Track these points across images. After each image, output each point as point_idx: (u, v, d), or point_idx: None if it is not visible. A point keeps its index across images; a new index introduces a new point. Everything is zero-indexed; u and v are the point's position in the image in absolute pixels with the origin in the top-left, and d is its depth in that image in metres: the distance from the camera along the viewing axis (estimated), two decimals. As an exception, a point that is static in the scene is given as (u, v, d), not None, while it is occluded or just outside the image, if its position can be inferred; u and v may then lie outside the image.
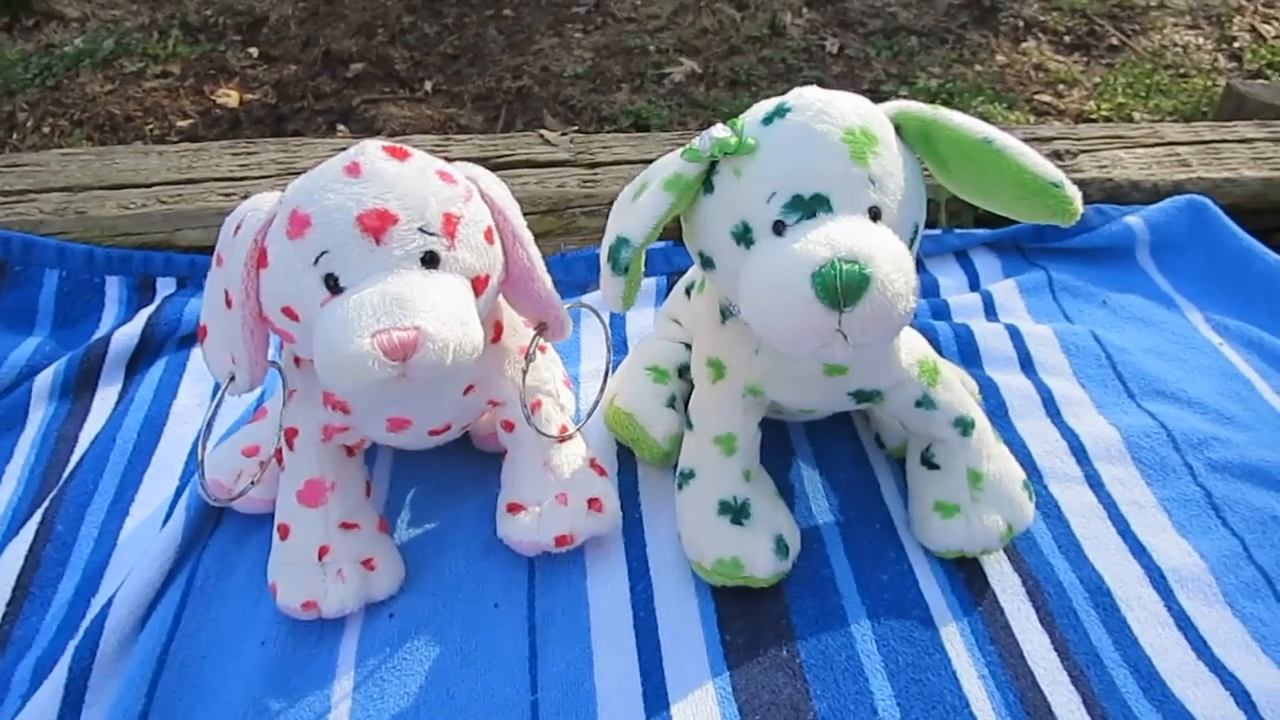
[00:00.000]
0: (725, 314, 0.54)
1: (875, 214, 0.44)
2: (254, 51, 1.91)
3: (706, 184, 0.48)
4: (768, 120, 0.46)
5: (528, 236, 0.52)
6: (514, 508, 0.56)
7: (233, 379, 0.49)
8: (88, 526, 0.61)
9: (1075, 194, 0.44)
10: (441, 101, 1.65)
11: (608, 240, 0.48)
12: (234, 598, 0.56)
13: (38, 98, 1.74)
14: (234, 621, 0.55)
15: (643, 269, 0.50)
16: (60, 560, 0.60)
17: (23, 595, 0.57)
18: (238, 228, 0.47)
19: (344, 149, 0.86)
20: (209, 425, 0.51)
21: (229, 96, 1.71)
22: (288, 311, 0.46)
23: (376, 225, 0.44)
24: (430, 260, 0.45)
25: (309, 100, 1.67)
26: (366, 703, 0.50)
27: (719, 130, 0.46)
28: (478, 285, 0.47)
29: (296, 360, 0.54)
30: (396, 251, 0.44)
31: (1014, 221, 0.82)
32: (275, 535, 0.54)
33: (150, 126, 1.63)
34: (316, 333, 0.44)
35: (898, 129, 0.47)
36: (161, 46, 1.93)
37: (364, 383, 0.42)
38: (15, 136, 1.64)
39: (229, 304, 0.47)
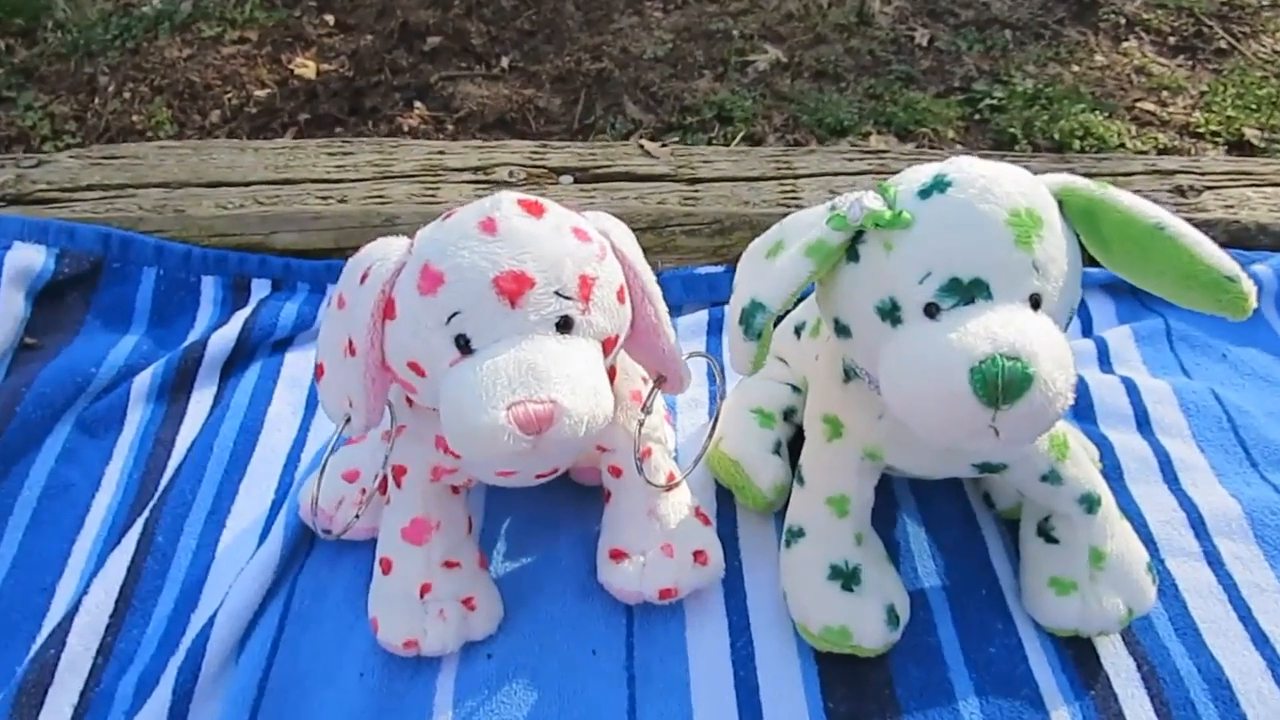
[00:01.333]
0: (849, 374, 0.52)
1: (1036, 301, 0.42)
2: (330, 19, 1.90)
3: (850, 251, 0.46)
4: (925, 193, 0.43)
5: (656, 292, 0.50)
6: (617, 554, 0.55)
7: (348, 420, 0.49)
8: (186, 539, 0.62)
9: (1250, 289, 0.42)
10: (519, 81, 1.63)
11: (740, 302, 0.47)
12: (329, 623, 0.57)
13: (118, 61, 1.75)
14: (331, 648, 0.55)
15: (773, 330, 0.49)
16: (160, 573, 0.60)
17: (125, 607, 0.58)
18: (364, 276, 0.46)
19: (441, 152, 0.86)
20: (324, 466, 0.51)
21: (306, 67, 1.71)
22: (413, 366, 0.45)
23: (513, 289, 0.43)
24: (564, 325, 0.44)
25: (386, 74, 1.65)
26: (465, 746, 0.50)
27: (870, 200, 0.44)
28: (607, 346, 0.47)
29: (408, 400, 0.53)
30: (532, 316, 0.43)
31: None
32: (377, 568, 0.54)
33: (229, 95, 1.63)
34: (445, 395, 0.43)
35: (1060, 204, 0.45)
36: (239, 11, 1.93)
37: (496, 455, 0.41)
38: (97, 101, 1.65)
39: (351, 350, 0.47)
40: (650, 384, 0.54)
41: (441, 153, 0.83)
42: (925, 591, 0.57)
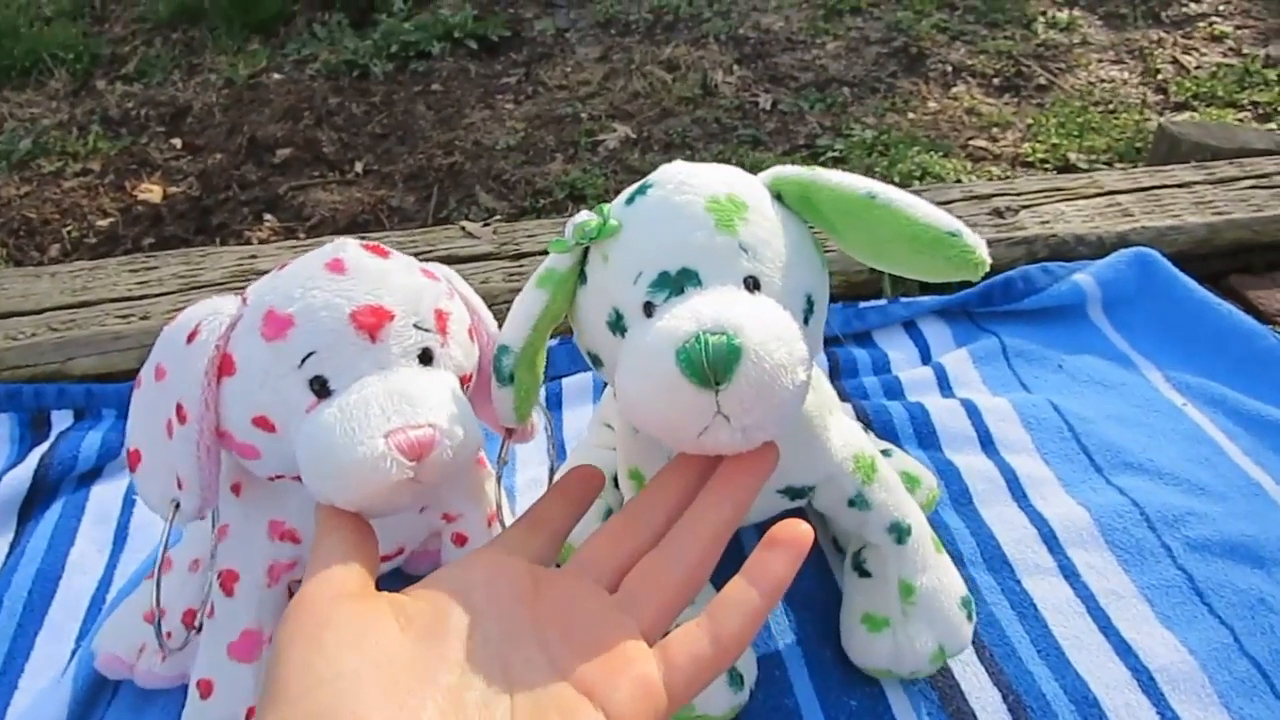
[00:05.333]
0: (644, 424, 0.50)
1: (753, 284, 0.40)
2: (177, 142, 1.86)
3: (581, 275, 0.44)
4: (630, 200, 0.43)
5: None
6: None
7: (177, 507, 0.44)
8: (-30, 706, 0.55)
9: (977, 242, 0.40)
10: (372, 183, 1.61)
11: (494, 349, 0.44)
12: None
13: (-50, 205, 1.68)
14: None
15: (539, 375, 0.46)
16: (-61, 748, 0.53)
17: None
18: (191, 335, 0.42)
19: (253, 256, 0.82)
20: (160, 565, 0.46)
21: (151, 192, 1.66)
22: (260, 422, 0.41)
23: (372, 322, 0.40)
24: (426, 357, 0.42)
25: (234, 190, 1.62)
26: None
27: (582, 216, 0.43)
28: (463, 383, 0.45)
29: (234, 488, 0.48)
30: (394, 349, 0.41)
31: (963, 285, 0.79)
32: (194, 691, 0.48)
33: (68, 229, 1.57)
34: (307, 441, 0.39)
35: (779, 196, 0.44)
36: (81, 143, 1.88)
37: (378, 487, 0.38)
38: (-75, 247, 1.57)
39: (181, 419, 0.42)
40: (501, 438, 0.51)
41: (253, 257, 0.79)
42: (780, 651, 0.54)
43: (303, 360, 0.40)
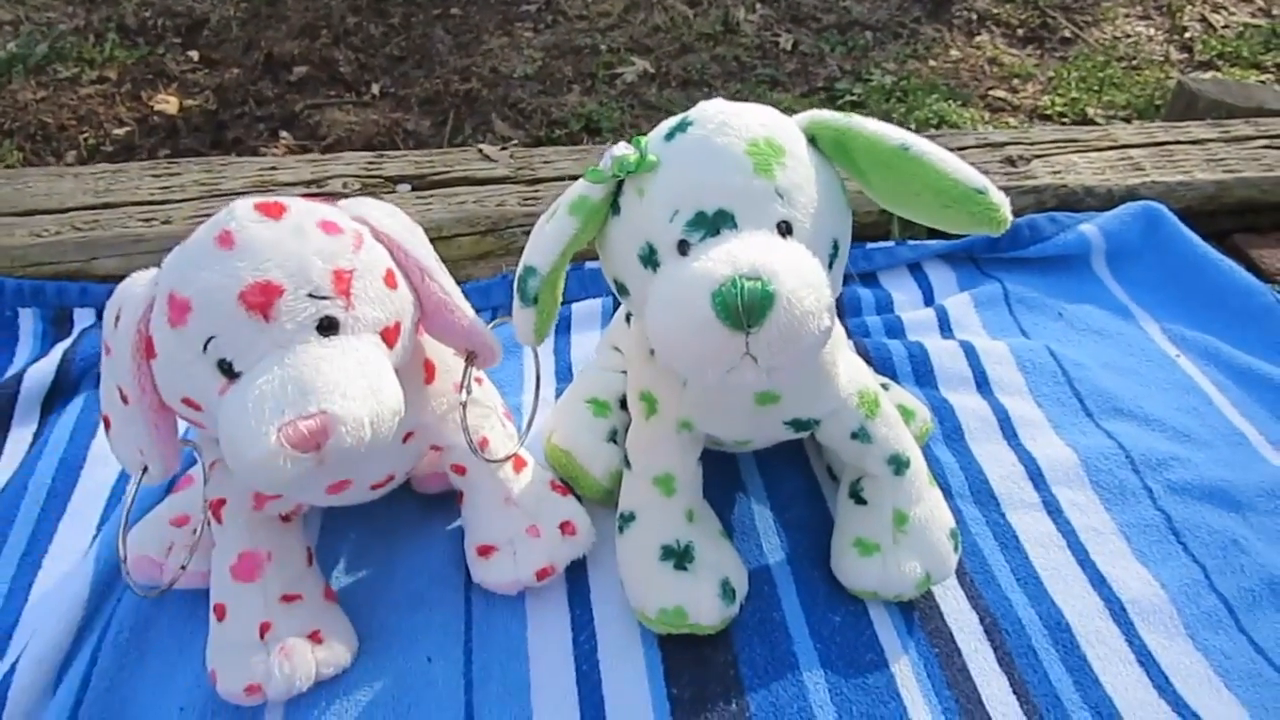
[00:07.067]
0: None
1: (785, 229, 0.42)
2: (194, 55, 1.84)
3: (614, 206, 0.45)
4: (669, 136, 0.44)
5: (435, 266, 0.48)
6: (485, 550, 0.54)
7: (146, 470, 0.46)
8: (-3, 582, 0.58)
9: (1001, 200, 0.42)
10: (388, 105, 1.60)
11: (518, 270, 0.46)
12: (151, 658, 0.53)
13: (-35, 107, 1.67)
14: (151, 684, 0.52)
15: (559, 298, 0.48)
16: (-34, 621, 0.56)
17: (-73, 659, 0.54)
18: (118, 317, 0.43)
19: (273, 168, 0.83)
20: (127, 517, 0.47)
21: (167, 103, 1.65)
22: (188, 402, 0.42)
23: (261, 301, 0.40)
24: (328, 326, 0.41)
25: (250, 106, 1.61)
26: (293, 773, 0.47)
27: (620, 148, 0.44)
28: (388, 336, 0.44)
29: None
30: (288, 325, 0.40)
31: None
32: (212, 616, 0.50)
33: (85, 136, 1.57)
34: (220, 429, 0.39)
35: (813, 140, 0.45)
36: (98, 50, 1.86)
37: (281, 482, 0.38)
38: (-59, 149, 1.57)
39: (124, 399, 0.43)
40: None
41: (273, 169, 0.80)
42: (770, 568, 0.56)
43: (205, 345, 0.40)
